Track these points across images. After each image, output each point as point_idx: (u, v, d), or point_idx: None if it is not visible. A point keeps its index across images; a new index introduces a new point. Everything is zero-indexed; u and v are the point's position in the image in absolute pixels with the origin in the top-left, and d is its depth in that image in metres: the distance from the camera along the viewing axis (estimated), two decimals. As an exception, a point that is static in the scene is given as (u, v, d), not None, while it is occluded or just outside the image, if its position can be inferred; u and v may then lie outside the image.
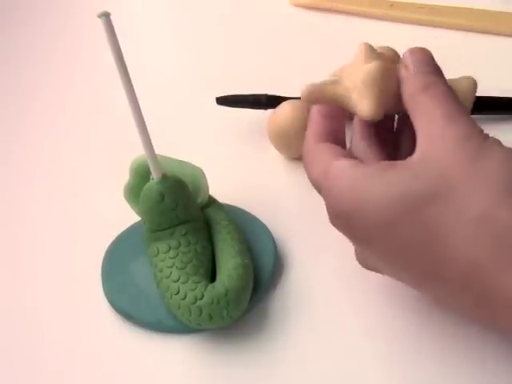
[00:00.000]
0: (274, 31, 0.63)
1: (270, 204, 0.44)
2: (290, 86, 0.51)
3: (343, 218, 0.31)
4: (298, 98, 0.48)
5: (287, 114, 0.46)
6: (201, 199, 0.40)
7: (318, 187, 0.33)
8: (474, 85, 0.36)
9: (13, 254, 0.44)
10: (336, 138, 0.35)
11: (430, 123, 0.30)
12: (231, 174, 0.47)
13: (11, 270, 0.43)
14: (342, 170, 0.31)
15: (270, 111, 0.48)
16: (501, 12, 0.61)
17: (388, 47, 0.52)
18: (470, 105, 0.35)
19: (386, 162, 0.31)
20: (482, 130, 0.30)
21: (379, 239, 0.30)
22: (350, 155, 0.33)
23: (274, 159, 0.48)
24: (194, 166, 0.40)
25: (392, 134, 0.37)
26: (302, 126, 0.38)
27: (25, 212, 0.47)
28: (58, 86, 0.60)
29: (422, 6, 0.62)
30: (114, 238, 0.42)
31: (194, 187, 0.39)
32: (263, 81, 0.55)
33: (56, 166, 0.51)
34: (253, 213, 0.42)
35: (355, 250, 0.35)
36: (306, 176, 0.33)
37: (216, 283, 0.36)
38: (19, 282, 0.42)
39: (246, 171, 0.48)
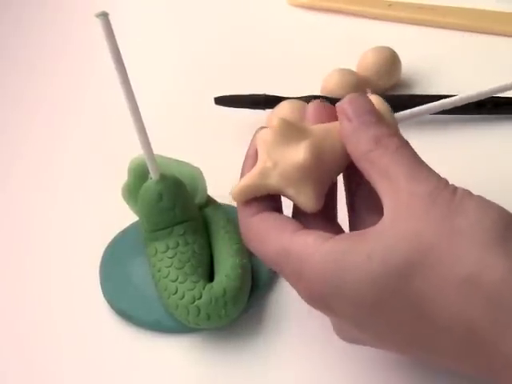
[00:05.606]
0: (272, 31, 0.63)
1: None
2: (289, 85, 0.51)
3: (321, 302, 0.29)
4: (297, 98, 0.48)
5: (286, 114, 0.46)
6: (199, 199, 0.40)
7: (278, 269, 0.30)
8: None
9: (11, 254, 0.44)
10: (271, 201, 0.31)
11: (393, 185, 0.28)
12: (229, 174, 0.47)
13: (10, 270, 0.43)
14: (309, 248, 0.28)
15: (268, 111, 0.48)
16: (500, 12, 0.61)
17: (386, 47, 0.53)
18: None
19: (351, 233, 0.29)
20: (447, 181, 0.28)
21: (364, 321, 0.28)
22: (299, 225, 0.29)
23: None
24: (192, 165, 0.40)
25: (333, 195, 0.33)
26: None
27: (23, 212, 0.47)
28: (55, 86, 0.60)
29: (420, 6, 0.62)
30: (112, 237, 0.42)
31: (192, 187, 0.39)
32: (262, 81, 0.55)
33: (54, 165, 0.51)
34: (251, 213, 0.42)
35: (332, 323, 0.32)
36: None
37: (214, 283, 0.36)
38: (17, 282, 0.42)
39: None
